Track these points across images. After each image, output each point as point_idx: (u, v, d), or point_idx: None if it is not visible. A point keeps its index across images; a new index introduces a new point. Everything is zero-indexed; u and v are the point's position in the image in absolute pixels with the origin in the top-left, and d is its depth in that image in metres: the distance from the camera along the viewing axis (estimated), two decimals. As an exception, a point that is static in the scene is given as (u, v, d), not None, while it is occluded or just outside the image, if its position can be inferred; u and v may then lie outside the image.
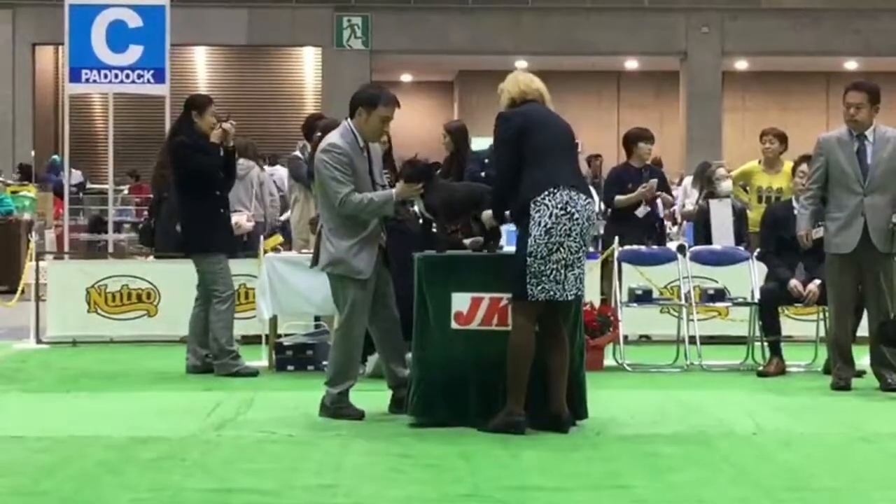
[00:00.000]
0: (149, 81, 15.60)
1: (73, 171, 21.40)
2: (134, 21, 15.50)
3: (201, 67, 31.30)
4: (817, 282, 11.15)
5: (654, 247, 12.54)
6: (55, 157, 26.78)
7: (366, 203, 8.54)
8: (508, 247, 8.47)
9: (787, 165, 13.40)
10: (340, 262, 8.65)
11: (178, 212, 11.22)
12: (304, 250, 12.04)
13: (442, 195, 8.60)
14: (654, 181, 12.94)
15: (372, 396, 9.07)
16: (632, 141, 13.21)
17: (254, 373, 11.03)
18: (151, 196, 15.19)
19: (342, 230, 8.64)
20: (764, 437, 8.07)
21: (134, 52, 15.46)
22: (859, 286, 10.38)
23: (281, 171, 16.62)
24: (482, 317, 8.28)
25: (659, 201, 13.11)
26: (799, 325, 12.58)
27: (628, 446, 7.74)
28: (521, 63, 25.16)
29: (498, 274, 8.20)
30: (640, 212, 12.93)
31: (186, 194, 11.10)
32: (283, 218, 15.21)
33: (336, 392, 8.73)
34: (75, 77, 15.67)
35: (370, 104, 8.73)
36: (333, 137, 8.79)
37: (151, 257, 14.07)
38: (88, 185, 26.01)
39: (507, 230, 8.67)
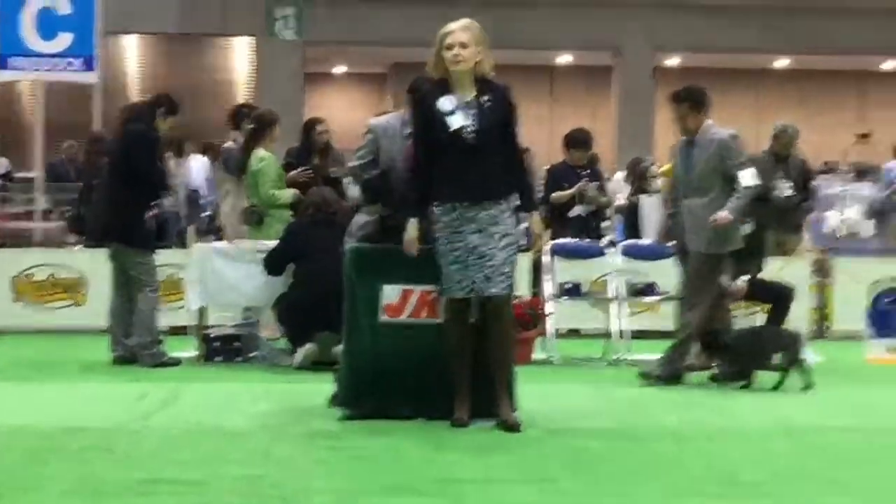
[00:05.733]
0: (79, 69, 15.52)
1: (1, 158, 21.22)
2: (63, 8, 15.45)
3: (132, 55, 31.07)
4: (745, 277, 11.26)
5: (587, 240, 12.65)
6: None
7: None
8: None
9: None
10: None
11: (111, 200, 11.15)
12: (235, 240, 12.04)
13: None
14: (593, 184, 13.14)
15: (305, 389, 9.09)
16: (570, 145, 13.39)
17: (177, 362, 11.03)
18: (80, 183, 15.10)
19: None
20: (689, 432, 8.12)
21: (63, 40, 15.40)
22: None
23: (193, 162, 16.66)
24: (412, 309, 8.29)
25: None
26: (727, 320, 12.68)
27: (555, 440, 7.77)
28: (454, 56, 25.03)
29: (427, 266, 8.18)
30: (573, 212, 13.05)
31: (124, 184, 11.04)
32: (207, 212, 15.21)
33: None
34: (3, 64, 15.57)
35: (409, 90, 8.68)
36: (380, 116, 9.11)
37: (80, 246, 14.00)
38: (15, 175, 25.76)
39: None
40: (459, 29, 8.06)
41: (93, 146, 14.54)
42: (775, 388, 9.91)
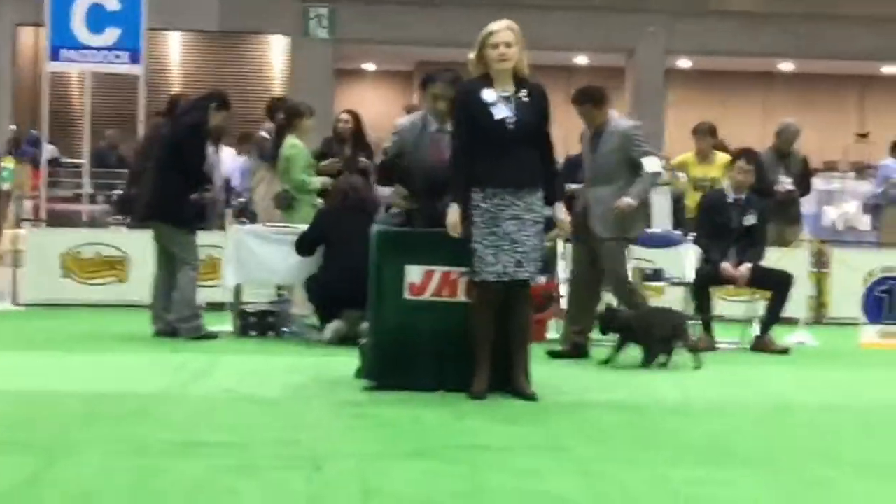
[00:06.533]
0: (125, 62, 15.62)
1: (49, 145, 21.31)
2: (112, 4, 15.52)
3: (174, 51, 31.13)
4: (748, 265, 11.33)
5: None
6: (32, 131, 26.63)
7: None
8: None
9: (720, 156, 13.65)
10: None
11: (159, 183, 11.26)
12: (267, 223, 12.15)
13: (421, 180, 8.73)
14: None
15: (333, 362, 9.18)
16: None
17: (214, 336, 11.14)
18: (131, 167, 15.21)
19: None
20: (692, 407, 8.20)
21: (111, 34, 15.50)
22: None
23: (225, 154, 16.79)
24: (434, 289, 8.38)
25: None
26: (729, 305, 12.76)
27: (567, 413, 7.86)
28: (477, 55, 25.11)
29: (449, 249, 8.26)
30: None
31: (173, 170, 11.15)
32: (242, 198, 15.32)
33: None
34: (55, 56, 15.67)
35: (423, 86, 8.98)
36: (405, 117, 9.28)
37: (124, 228, 14.12)
38: (63, 159, 25.90)
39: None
40: (504, 29, 8.17)
41: (151, 133, 14.67)
42: (662, 365, 9.89)
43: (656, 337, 9.98)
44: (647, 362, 9.89)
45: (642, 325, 9.96)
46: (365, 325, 8.96)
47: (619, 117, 10.57)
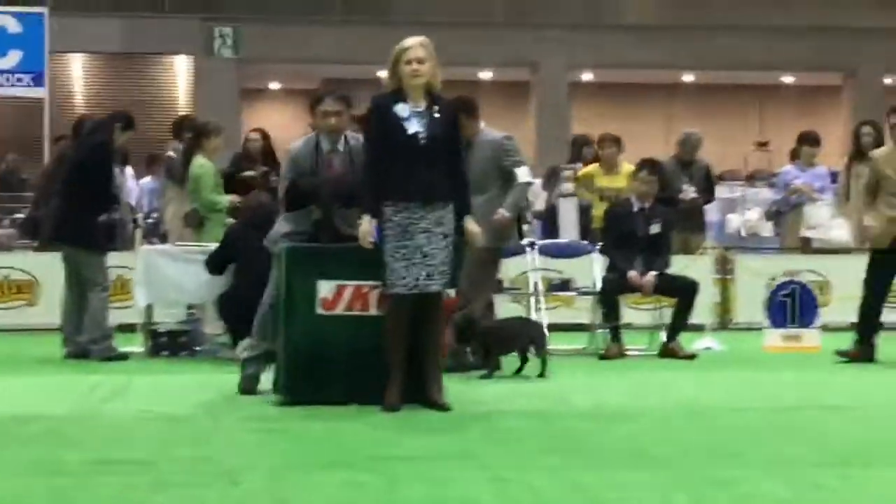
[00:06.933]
0: (28, 85, 15.50)
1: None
2: (13, 27, 15.42)
3: (77, 74, 30.91)
4: (654, 273, 11.48)
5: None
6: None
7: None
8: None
9: (625, 167, 13.79)
10: (275, 241, 8.90)
11: (67, 205, 11.19)
12: (178, 243, 12.11)
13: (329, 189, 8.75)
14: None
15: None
16: None
17: (126, 357, 11.09)
18: (36, 190, 15.07)
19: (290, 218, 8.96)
20: (603, 413, 8.29)
21: (13, 57, 15.36)
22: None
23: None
24: (346, 303, 8.40)
25: None
26: (637, 313, 12.90)
27: (480, 421, 7.89)
28: (382, 72, 25.21)
29: (361, 263, 8.30)
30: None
31: (80, 191, 11.09)
32: (155, 216, 15.24)
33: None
34: (-46, 79, 15.51)
35: (313, 105, 9.09)
36: (296, 141, 9.14)
37: (31, 251, 13.99)
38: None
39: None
40: (417, 45, 8.25)
41: (57, 155, 14.56)
42: (516, 373, 9.96)
43: (513, 347, 10.06)
44: (488, 374, 9.88)
45: (501, 335, 10.00)
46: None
47: (489, 128, 10.65)
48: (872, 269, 11.35)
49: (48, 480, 6.03)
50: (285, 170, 9.02)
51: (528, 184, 10.56)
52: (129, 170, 17.40)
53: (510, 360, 10.10)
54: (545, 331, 10.19)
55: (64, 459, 6.54)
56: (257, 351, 8.91)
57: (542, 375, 9.91)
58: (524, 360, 10.03)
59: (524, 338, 10.12)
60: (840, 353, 11.23)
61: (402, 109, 8.22)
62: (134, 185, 17.11)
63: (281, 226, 8.94)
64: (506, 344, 10.06)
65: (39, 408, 8.35)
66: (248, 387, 8.87)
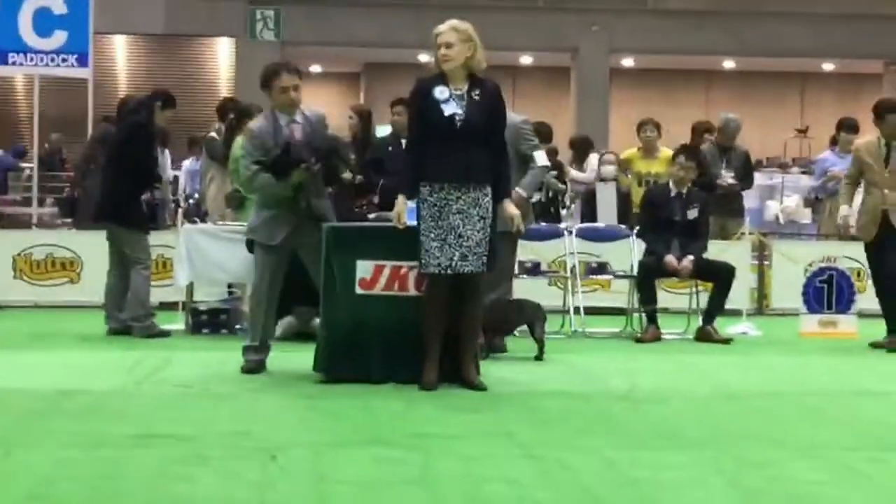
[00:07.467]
0: (73, 65, 15.61)
1: (-4, 150, 21.34)
2: (59, 8, 15.52)
3: (121, 55, 31.08)
4: (691, 257, 11.50)
5: (543, 224, 12.85)
6: (-23, 138, 26.55)
7: (262, 184, 8.84)
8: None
9: (664, 152, 13.80)
10: (253, 229, 8.95)
11: (109, 185, 11.30)
12: (219, 222, 12.20)
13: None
14: (552, 173, 13.41)
15: (284, 358, 9.27)
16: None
17: (167, 334, 11.20)
18: (75, 170, 15.24)
19: (259, 203, 9.01)
20: (638, 395, 8.33)
21: (59, 38, 15.48)
22: None
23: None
24: (384, 283, 8.48)
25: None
26: (673, 297, 12.93)
27: (515, 401, 7.98)
28: (423, 57, 25.31)
29: (399, 243, 8.37)
30: (533, 198, 13.23)
31: (121, 170, 11.19)
32: (196, 196, 15.36)
33: (242, 346, 9.05)
34: (2, 60, 15.63)
35: (267, 83, 8.90)
36: (252, 122, 9.03)
37: (73, 228, 14.13)
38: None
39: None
40: (447, 30, 8.31)
41: (97, 135, 14.70)
42: (536, 358, 9.86)
43: (506, 327, 10.05)
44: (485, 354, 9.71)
45: (493, 316, 9.78)
46: (317, 321, 9.04)
47: (507, 111, 10.66)
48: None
49: (92, 452, 6.14)
50: (249, 149, 8.93)
51: (546, 167, 10.57)
52: (167, 153, 17.53)
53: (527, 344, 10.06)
54: (542, 312, 10.05)
55: (107, 433, 6.65)
56: (256, 342, 8.98)
57: (538, 358, 9.83)
58: (539, 344, 9.89)
59: (520, 319, 10.09)
60: (873, 345, 11.26)
61: (440, 92, 8.27)
62: (168, 165, 17.18)
63: (256, 215, 9.03)
64: (499, 325, 9.98)
65: (82, 383, 8.46)
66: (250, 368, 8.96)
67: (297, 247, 8.92)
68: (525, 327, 10.17)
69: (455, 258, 8.19)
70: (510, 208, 8.48)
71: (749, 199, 15.76)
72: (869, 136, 11.67)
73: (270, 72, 8.95)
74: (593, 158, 15.46)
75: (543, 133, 13.73)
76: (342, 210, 9.86)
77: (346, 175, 9.67)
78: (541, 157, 10.37)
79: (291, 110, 8.91)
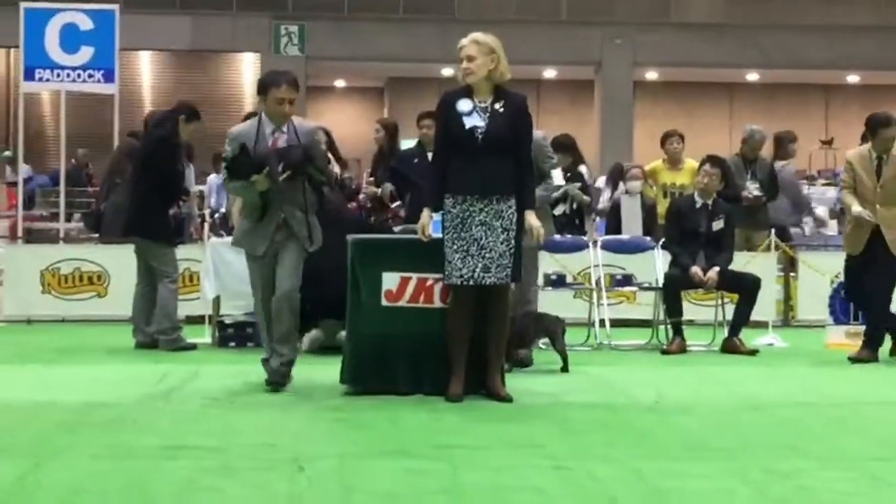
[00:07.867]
0: (99, 81, 15.70)
1: (23, 165, 21.43)
2: (85, 24, 15.63)
3: (146, 71, 31.26)
4: (716, 269, 11.49)
5: (569, 236, 12.86)
6: (6, 152, 26.69)
7: (232, 187, 9.03)
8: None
9: (689, 163, 13.80)
10: (238, 240, 9.04)
11: (136, 199, 11.34)
12: (244, 236, 12.23)
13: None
14: (575, 184, 13.41)
15: (311, 370, 9.29)
16: (556, 150, 13.56)
17: (193, 347, 11.24)
18: (100, 185, 15.30)
19: (244, 213, 9.03)
20: (665, 406, 8.32)
21: (85, 53, 15.58)
22: None
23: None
24: (410, 295, 8.50)
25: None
26: (699, 308, 12.91)
27: (542, 413, 7.99)
28: (447, 71, 25.38)
29: (425, 256, 8.38)
30: (558, 210, 13.25)
31: (147, 184, 11.24)
32: (222, 209, 15.41)
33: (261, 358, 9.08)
34: (29, 76, 15.74)
35: (264, 90, 8.88)
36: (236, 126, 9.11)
37: (99, 242, 14.20)
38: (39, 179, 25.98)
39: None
40: (469, 43, 8.33)
41: (123, 149, 14.76)
42: (562, 370, 9.89)
43: (526, 340, 9.99)
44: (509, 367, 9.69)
45: (517, 328, 9.71)
46: (342, 334, 9.06)
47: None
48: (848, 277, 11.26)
49: (120, 464, 6.16)
50: (227, 150, 8.92)
51: (558, 186, 10.59)
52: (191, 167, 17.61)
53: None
54: (562, 324, 10.04)
55: (135, 444, 6.67)
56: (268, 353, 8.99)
57: (564, 370, 9.86)
58: (562, 356, 9.92)
59: (539, 331, 10.10)
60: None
61: (464, 105, 8.29)
62: (193, 179, 17.26)
63: (239, 226, 9.07)
64: (519, 338, 9.91)
65: (110, 395, 8.49)
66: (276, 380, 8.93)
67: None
68: (548, 340, 10.17)
69: (477, 269, 8.20)
70: (532, 219, 8.48)
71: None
72: (861, 147, 11.54)
73: (270, 80, 8.93)
74: (600, 180, 15.54)
75: (567, 145, 13.77)
76: (374, 223, 9.86)
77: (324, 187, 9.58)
78: (557, 176, 10.38)
79: (281, 121, 8.91)
